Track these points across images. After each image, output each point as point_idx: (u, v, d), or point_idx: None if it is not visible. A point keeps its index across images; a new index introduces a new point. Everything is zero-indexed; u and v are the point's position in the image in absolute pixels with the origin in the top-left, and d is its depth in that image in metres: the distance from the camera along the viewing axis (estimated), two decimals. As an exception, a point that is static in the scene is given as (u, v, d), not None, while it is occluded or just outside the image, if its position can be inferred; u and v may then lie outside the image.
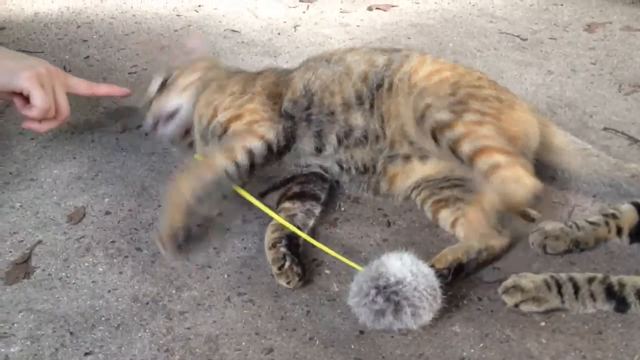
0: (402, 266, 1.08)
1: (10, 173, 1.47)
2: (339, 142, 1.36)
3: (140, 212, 1.36)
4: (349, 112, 1.35)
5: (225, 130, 1.34)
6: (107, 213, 1.36)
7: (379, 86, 1.35)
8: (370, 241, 1.29)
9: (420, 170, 1.35)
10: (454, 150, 1.21)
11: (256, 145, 1.30)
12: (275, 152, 1.34)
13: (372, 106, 1.34)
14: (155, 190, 1.43)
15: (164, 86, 1.47)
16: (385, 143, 1.36)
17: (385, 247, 1.25)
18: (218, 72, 1.53)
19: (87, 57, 2.08)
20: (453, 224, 1.27)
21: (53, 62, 2.01)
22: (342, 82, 1.37)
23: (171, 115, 1.45)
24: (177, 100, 1.46)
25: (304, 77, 1.41)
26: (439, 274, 1.09)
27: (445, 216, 1.29)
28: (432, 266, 1.12)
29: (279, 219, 1.27)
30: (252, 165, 1.29)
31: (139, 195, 1.41)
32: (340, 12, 2.50)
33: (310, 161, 1.40)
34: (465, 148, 1.19)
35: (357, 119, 1.34)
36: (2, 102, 1.61)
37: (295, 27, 2.36)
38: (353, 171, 1.39)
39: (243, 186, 1.33)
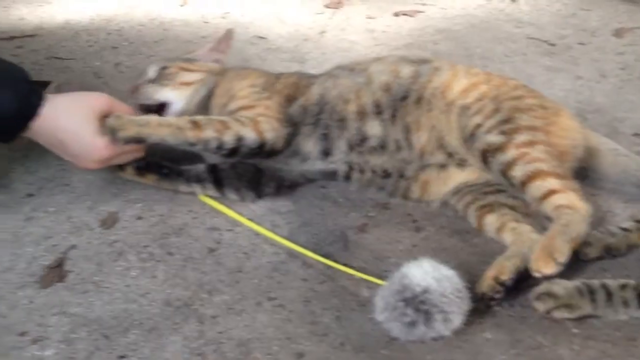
0: (425, 274, 1.07)
1: (45, 178, 1.49)
2: (350, 148, 1.37)
3: (170, 217, 1.37)
4: (364, 121, 1.36)
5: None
6: (139, 218, 1.37)
7: (404, 98, 1.35)
8: (399, 247, 1.29)
9: (458, 176, 1.35)
10: (504, 173, 1.21)
11: (250, 137, 1.30)
12: (265, 153, 1.35)
13: (393, 116, 1.35)
14: (185, 196, 1.41)
15: (160, 74, 1.46)
16: (413, 153, 1.35)
17: (415, 253, 1.25)
18: (229, 71, 1.55)
19: (118, 63, 2.10)
20: (499, 230, 1.25)
21: (83, 68, 2.05)
22: (360, 91, 1.38)
23: (159, 108, 1.43)
24: (169, 94, 1.45)
25: (323, 85, 1.41)
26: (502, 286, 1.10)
27: (491, 222, 1.27)
28: (496, 279, 1.10)
29: (253, 225, 1.32)
30: (233, 152, 1.30)
31: (169, 200, 1.42)
32: (367, 18, 2.50)
33: (316, 165, 1.41)
34: (518, 172, 1.19)
35: (374, 128, 1.35)
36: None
37: (321, 33, 2.36)
38: (369, 174, 1.40)
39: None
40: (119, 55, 2.17)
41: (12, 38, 2.26)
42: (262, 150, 1.34)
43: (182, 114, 1.41)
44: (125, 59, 2.15)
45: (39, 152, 1.41)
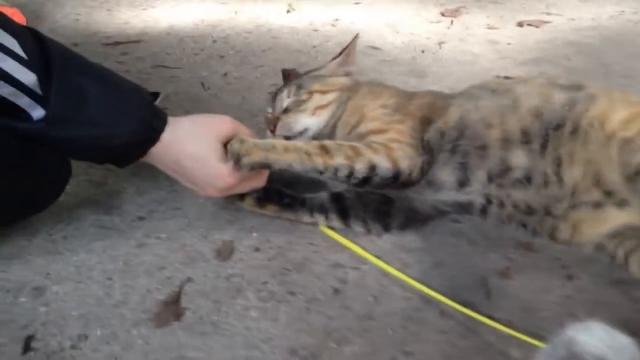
0: (598, 341, 0.94)
1: (156, 200, 1.44)
2: (490, 179, 1.26)
3: (290, 250, 1.29)
4: (508, 149, 1.23)
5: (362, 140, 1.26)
6: (257, 249, 1.30)
7: (558, 127, 1.22)
8: (550, 297, 1.17)
9: (617, 217, 1.20)
10: None
11: (383, 165, 1.22)
12: (399, 184, 1.26)
13: (543, 147, 1.22)
14: (304, 226, 1.34)
15: (294, 101, 1.42)
16: (564, 189, 1.23)
17: (570, 306, 1.12)
18: (362, 86, 1.47)
19: (225, 74, 2.06)
20: None
21: (191, 78, 2.01)
22: (505, 115, 1.25)
23: (298, 134, 1.40)
24: (308, 120, 1.40)
25: (463, 107, 1.30)
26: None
27: None
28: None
29: (381, 263, 1.23)
30: (364, 182, 1.23)
31: (287, 230, 1.34)
32: (488, 28, 2.38)
33: (450, 196, 1.30)
34: None
35: (519, 158, 1.23)
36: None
37: (440, 44, 2.26)
38: (509, 209, 1.27)
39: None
40: (226, 65, 2.12)
41: (116, 44, 2.25)
42: (397, 181, 1.25)
43: (316, 133, 1.37)
44: (232, 68, 2.11)
45: (149, 171, 1.36)
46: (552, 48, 2.23)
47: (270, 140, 1.24)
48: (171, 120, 1.21)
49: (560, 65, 2.10)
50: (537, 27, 2.43)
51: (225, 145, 1.23)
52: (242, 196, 1.36)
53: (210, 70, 2.09)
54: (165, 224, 1.38)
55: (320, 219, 1.34)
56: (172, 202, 1.45)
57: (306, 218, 1.35)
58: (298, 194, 1.36)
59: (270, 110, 1.49)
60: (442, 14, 2.54)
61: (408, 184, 1.27)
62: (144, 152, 1.20)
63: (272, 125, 1.37)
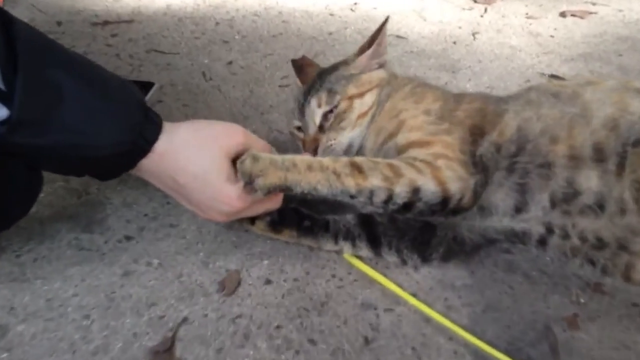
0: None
1: (146, 215, 1.25)
2: (554, 204, 1.08)
3: (309, 284, 1.12)
4: (577, 169, 1.06)
5: (400, 154, 1.11)
6: (268, 282, 1.12)
7: (638, 143, 1.04)
8: (630, 356, 0.97)
9: None
10: None
11: (429, 188, 1.03)
12: (448, 211, 1.07)
13: (620, 167, 1.04)
14: (325, 253, 1.16)
15: (329, 114, 1.24)
16: None
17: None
18: (401, 82, 1.30)
19: (230, 62, 1.88)
20: None
21: (190, 66, 1.80)
22: (574, 127, 1.08)
23: (342, 154, 1.23)
24: (351, 135, 1.25)
25: (522, 115, 1.13)
26: None
27: None
28: None
29: (421, 305, 1.07)
30: (406, 208, 1.04)
31: (304, 258, 1.16)
32: (526, 17, 2.18)
33: (503, 223, 1.13)
34: None
35: (590, 180, 1.05)
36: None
37: (473, 34, 2.06)
38: (575, 241, 1.09)
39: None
40: (231, 52, 1.94)
41: (106, 23, 2.07)
42: (445, 208, 1.06)
43: (360, 143, 1.24)
44: (238, 56, 1.92)
45: (141, 182, 1.15)
46: (601, 43, 2.04)
47: (290, 157, 1.04)
48: (167, 127, 1.01)
49: (612, 63, 1.93)
50: (582, 18, 2.24)
51: (234, 161, 1.02)
52: (252, 219, 1.15)
53: (212, 58, 1.89)
54: (157, 245, 1.19)
55: (346, 246, 1.17)
56: (167, 217, 1.26)
57: (329, 245, 1.17)
58: (320, 215, 1.18)
59: (297, 123, 1.30)
60: (474, 0, 2.32)
61: (458, 211, 1.08)
62: (132, 165, 1.00)
63: (311, 149, 1.22)
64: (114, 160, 0.97)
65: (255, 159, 1.01)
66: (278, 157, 1.03)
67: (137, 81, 1.68)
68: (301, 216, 1.17)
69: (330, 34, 2.09)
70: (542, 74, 1.84)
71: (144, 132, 0.97)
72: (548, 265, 1.17)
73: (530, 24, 2.19)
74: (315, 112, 1.24)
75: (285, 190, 1.01)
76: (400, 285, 1.11)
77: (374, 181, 1.02)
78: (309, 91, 1.28)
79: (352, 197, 1.02)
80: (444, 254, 1.16)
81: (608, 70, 1.88)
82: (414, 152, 1.09)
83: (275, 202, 1.09)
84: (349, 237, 1.16)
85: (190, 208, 1.07)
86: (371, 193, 1.02)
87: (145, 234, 1.22)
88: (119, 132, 0.94)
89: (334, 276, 1.14)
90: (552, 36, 2.10)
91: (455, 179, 1.05)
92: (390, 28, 2.07)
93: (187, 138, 1.01)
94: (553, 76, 1.82)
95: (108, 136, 0.94)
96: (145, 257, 1.17)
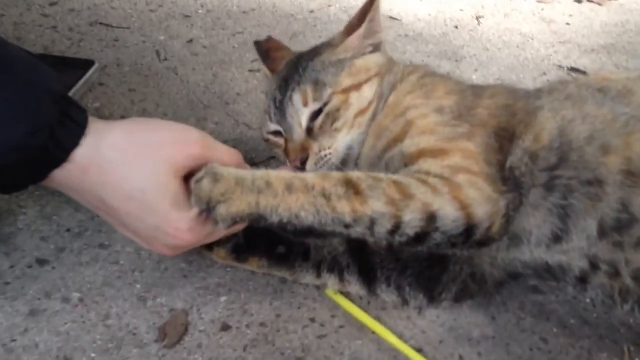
0: None
1: (69, 231, 1.03)
2: (602, 232, 0.87)
3: (280, 331, 0.90)
4: (635, 188, 0.86)
5: (407, 165, 0.90)
6: (225, 327, 0.90)
7: None
8: None
9: None
10: None
11: (448, 214, 0.82)
12: (472, 242, 0.85)
13: None
14: (302, 287, 0.96)
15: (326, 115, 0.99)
16: None
17: None
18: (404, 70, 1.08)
19: (190, 40, 1.68)
20: None
21: (142, 43, 1.56)
22: (633, 132, 0.89)
23: (340, 163, 1.00)
24: (349, 138, 1.01)
25: (561, 114, 0.94)
26: None
27: None
28: None
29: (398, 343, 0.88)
30: (418, 240, 0.82)
31: (274, 291, 0.97)
32: (537, 1, 1.95)
33: (535, 254, 0.91)
34: None
35: None
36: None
37: (477, 18, 1.89)
38: (627, 280, 0.89)
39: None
40: (192, 28, 1.76)
41: (44, -10, 1.84)
42: (469, 239, 0.84)
43: (359, 147, 1.01)
44: (201, 33, 1.73)
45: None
46: (624, 33, 1.87)
47: (262, 174, 0.81)
48: (94, 129, 0.78)
49: (639, 56, 1.69)
50: (600, 4, 2.03)
51: (187, 178, 0.78)
52: (211, 245, 0.91)
53: (169, 34, 1.66)
54: (80, 273, 0.97)
55: (330, 280, 0.96)
56: (96, 234, 1.04)
57: (309, 278, 0.97)
58: (299, 239, 0.96)
59: (274, 127, 1.06)
60: (476, -20, 2.11)
61: (485, 242, 0.87)
62: (41, 176, 0.77)
63: (298, 160, 0.99)
64: (13, 171, 0.71)
65: (215, 177, 0.77)
66: (247, 174, 0.79)
67: (73, 58, 1.46)
68: (273, 239, 0.92)
69: (311, 11, 1.89)
70: (560, 67, 1.64)
71: (58, 134, 0.75)
72: (589, 310, 0.99)
73: (542, 9, 2.00)
74: (301, 111, 1.01)
75: (257, 219, 0.77)
76: (400, 336, 0.91)
77: (376, 205, 0.81)
78: (286, 83, 1.03)
79: (346, 226, 0.80)
80: (457, 293, 0.94)
81: (636, 64, 1.71)
82: (425, 164, 0.89)
83: (238, 225, 0.83)
84: (335, 268, 0.96)
85: (129, 236, 0.81)
86: (372, 221, 0.81)
87: (64, 257, 1.00)
88: (20, 133, 0.72)
89: (313, 320, 0.93)
90: (567, 24, 1.91)
91: (481, 201, 0.83)
92: (381, 8, 1.84)
93: (120, 145, 0.78)
94: (573, 69, 1.60)
95: (3, 139, 0.67)
96: (62, 289, 0.95)
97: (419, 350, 0.88)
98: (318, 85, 1.00)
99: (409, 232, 0.81)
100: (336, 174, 0.82)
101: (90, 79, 1.40)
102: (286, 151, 1.01)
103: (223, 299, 0.94)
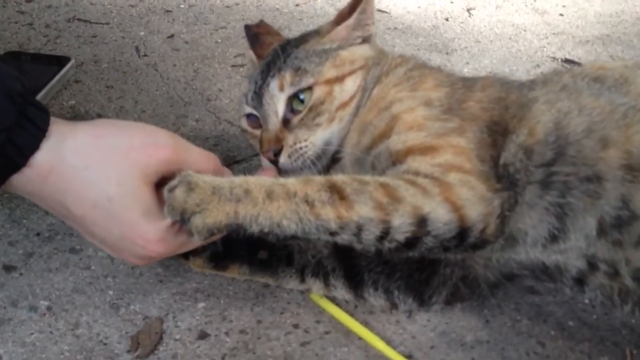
0: None
1: (39, 235, 0.99)
2: (601, 231, 0.82)
3: (261, 339, 0.85)
4: (636, 184, 0.81)
5: (395, 164, 0.85)
6: (203, 336, 0.85)
7: None
8: None
9: None
10: None
11: (440, 217, 0.77)
12: (466, 246, 0.80)
13: None
14: (284, 292, 0.92)
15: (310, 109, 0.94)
16: None
17: None
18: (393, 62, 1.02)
19: (172, 36, 1.64)
20: None
21: (121, 39, 1.52)
22: (632, 124, 0.85)
23: (317, 160, 0.94)
24: (328, 135, 0.95)
25: (556, 107, 0.89)
26: None
27: None
28: None
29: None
30: (409, 246, 0.78)
31: (257, 299, 0.92)
32: (530, -8, 1.93)
33: (531, 254, 0.86)
34: None
35: None
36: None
37: (468, 10, 1.86)
38: (627, 281, 0.84)
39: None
40: (174, 23, 1.72)
41: (21, -14, 1.82)
42: (463, 242, 0.79)
43: (337, 142, 0.95)
44: (182, 28, 1.69)
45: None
46: (619, 23, 1.85)
47: (241, 181, 0.76)
48: (57, 131, 0.73)
49: (635, 47, 1.75)
50: (594, -5, 1.99)
51: (159, 186, 0.75)
52: (187, 254, 0.86)
53: (149, 30, 1.62)
54: (49, 280, 0.92)
55: (316, 285, 0.91)
56: (67, 238, 0.99)
57: (293, 283, 0.92)
58: (281, 243, 0.91)
59: (249, 110, 1.00)
60: (467, -28, 2.08)
61: (480, 245, 0.82)
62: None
63: (271, 152, 0.93)
64: None
65: (190, 186, 0.72)
66: (224, 182, 0.75)
67: (48, 55, 1.42)
68: (254, 244, 0.87)
69: (297, 5, 1.86)
70: (554, 58, 1.59)
71: (17, 137, 0.69)
72: (588, 312, 0.94)
73: (535, 0, 1.94)
74: (277, 97, 0.95)
75: (236, 229, 0.73)
76: (389, 342, 0.85)
77: (363, 210, 0.76)
78: (268, 68, 0.98)
79: (332, 234, 0.76)
80: (448, 296, 0.90)
81: (632, 55, 1.68)
82: (414, 163, 0.84)
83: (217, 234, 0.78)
84: (320, 272, 0.91)
85: (96, 244, 0.76)
86: (359, 228, 0.76)
87: (33, 263, 0.95)
88: None
89: (296, 326, 0.88)
90: (561, 14, 1.88)
91: (474, 201, 0.79)
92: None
93: (83, 149, 0.73)
94: (568, 61, 1.56)
95: None
96: (30, 297, 0.90)
97: (409, 356, 0.84)
98: (299, 71, 0.95)
99: (399, 237, 0.76)
100: (319, 179, 0.77)
101: (65, 76, 1.35)
102: (260, 141, 0.95)
103: (201, 305, 0.89)
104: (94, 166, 0.72)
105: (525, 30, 1.77)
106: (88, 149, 0.73)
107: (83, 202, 0.73)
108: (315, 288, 0.90)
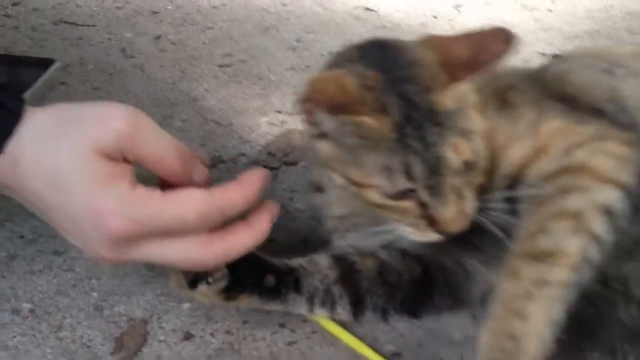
0: None
1: (22, 237, 0.97)
2: None
3: (246, 339, 0.83)
4: None
5: (511, 183, 0.78)
6: (188, 337, 0.83)
7: None
8: None
9: None
10: None
11: (615, 196, 0.74)
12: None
13: None
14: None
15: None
16: None
17: None
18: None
19: (159, 37, 1.61)
20: None
21: (108, 41, 1.51)
22: None
23: None
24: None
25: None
26: None
27: None
28: None
29: None
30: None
31: None
32: (518, -12, 1.92)
33: None
34: None
35: None
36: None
37: (457, 7, 1.85)
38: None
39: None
40: (161, 24, 1.68)
41: (7, -11, 1.80)
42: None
43: None
44: (169, 30, 1.66)
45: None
46: (608, 19, 1.84)
47: None
48: (31, 116, 0.68)
49: (625, 41, 1.73)
50: (583, -10, 1.98)
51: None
52: (194, 280, 0.80)
53: (136, 31, 1.61)
54: (31, 282, 0.89)
55: (323, 311, 0.86)
56: (51, 240, 0.96)
57: (302, 309, 0.85)
58: (283, 263, 0.86)
59: (406, 185, 0.73)
60: (455, -31, 2.07)
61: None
62: None
63: (447, 228, 0.75)
64: None
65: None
66: None
67: (32, 57, 1.41)
68: (261, 268, 0.84)
69: (285, 4, 1.83)
70: (543, 54, 1.57)
71: None
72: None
73: (524, -4, 1.94)
74: (453, 162, 0.72)
75: None
76: (376, 340, 0.84)
77: (571, 245, 0.72)
78: (419, 125, 0.71)
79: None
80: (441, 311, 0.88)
81: None
82: (539, 165, 0.79)
83: (253, 232, 0.75)
84: (328, 301, 0.85)
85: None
86: (587, 259, 0.72)
87: (15, 266, 0.92)
88: None
89: (283, 326, 0.85)
90: (550, 10, 1.88)
91: (622, 163, 0.76)
92: (357, -1, 1.81)
93: (43, 127, 0.68)
94: (557, 57, 1.55)
95: None
96: (12, 299, 0.87)
97: (397, 355, 0.82)
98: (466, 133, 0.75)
99: (609, 237, 0.73)
100: (523, 270, 0.72)
101: (50, 78, 1.33)
102: (432, 222, 0.74)
103: (186, 305, 0.87)
104: (48, 142, 0.67)
105: (515, 28, 1.75)
106: (47, 126, 0.68)
107: (41, 182, 0.67)
108: (323, 313, 0.86)
